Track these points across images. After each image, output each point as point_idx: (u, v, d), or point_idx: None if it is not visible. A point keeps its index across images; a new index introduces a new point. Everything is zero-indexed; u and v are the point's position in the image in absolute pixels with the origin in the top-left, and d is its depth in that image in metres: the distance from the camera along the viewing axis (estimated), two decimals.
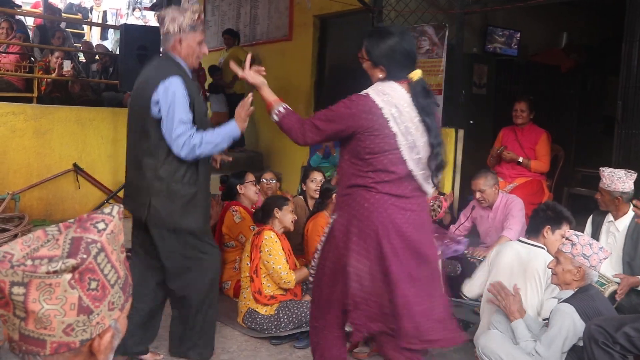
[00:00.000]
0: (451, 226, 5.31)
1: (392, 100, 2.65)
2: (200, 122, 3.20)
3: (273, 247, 4.01)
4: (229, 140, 3.23)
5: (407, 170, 2.70)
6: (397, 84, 2.72)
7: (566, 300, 3.08)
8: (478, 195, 4.95)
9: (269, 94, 2.89)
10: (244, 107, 3.22)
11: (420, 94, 2.70)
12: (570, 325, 3.00)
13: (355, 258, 2.70)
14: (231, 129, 3.20)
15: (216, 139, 3.17)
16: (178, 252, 3.28)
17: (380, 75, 2.76)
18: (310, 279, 3.10)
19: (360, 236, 2.70)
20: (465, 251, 4.88)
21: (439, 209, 5.14)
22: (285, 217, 4.21)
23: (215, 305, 3.52)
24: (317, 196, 5.18)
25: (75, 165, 7.09)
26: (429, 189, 2.83)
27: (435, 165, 2.74)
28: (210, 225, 3.93)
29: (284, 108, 2.82)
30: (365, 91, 2.74)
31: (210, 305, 3.44)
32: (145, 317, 3.44)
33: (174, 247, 3.27)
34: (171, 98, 3.07)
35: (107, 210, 1.17)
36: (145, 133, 3.17)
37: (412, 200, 2.75)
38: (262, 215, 4.28)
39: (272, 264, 3.99)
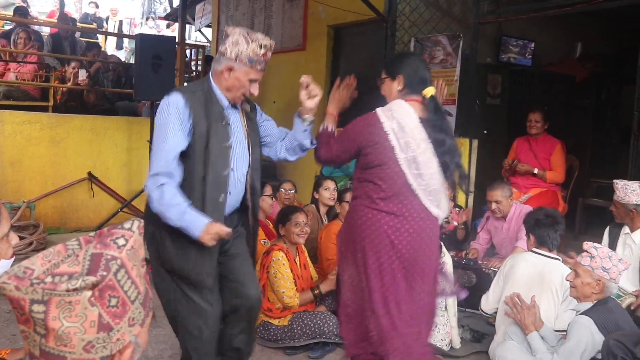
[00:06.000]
0: (472, 242, 5.27)
1: (394, 115, 2.76)
2: (218, 152, 2.73)
3: (279, 270, 3.93)
4: (183, 226, 2.60)
5: (405, 185, 2.74)
6: (406, 103, 2.81)
7: (584, 313, 3.05)
8: (494, 206, 4.93)
9: (332, 109, 3.06)
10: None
11: (432, 111, 2.80)
12: (589, 337, 2.97)
13: (348, 269, 2.87)
14: (195, 227, 2.58)
15: (171, 214, 2.60)
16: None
17: (399, 88, 2.88)
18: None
19: (351, 250, 2.84)
20: (480, 261, 4.86)
21: (446, 225, 5.08)
22: (289, 232, 4.05)
23: None
24: (331, 203, 5.17)
25: (89, 173, 7.13)
26: (436, 211, 2.81)
27: (450, 182, 2.82)
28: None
29: (330, 126, 3.01)
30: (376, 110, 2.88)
31: None
32: None
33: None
34: (159, 119, 2.68)
35: (127, 225, 1.17)
36: None
37: (410, 222, 2.76)
38: (275, 227, 4.28)
39: (277, 286, 3.93)
